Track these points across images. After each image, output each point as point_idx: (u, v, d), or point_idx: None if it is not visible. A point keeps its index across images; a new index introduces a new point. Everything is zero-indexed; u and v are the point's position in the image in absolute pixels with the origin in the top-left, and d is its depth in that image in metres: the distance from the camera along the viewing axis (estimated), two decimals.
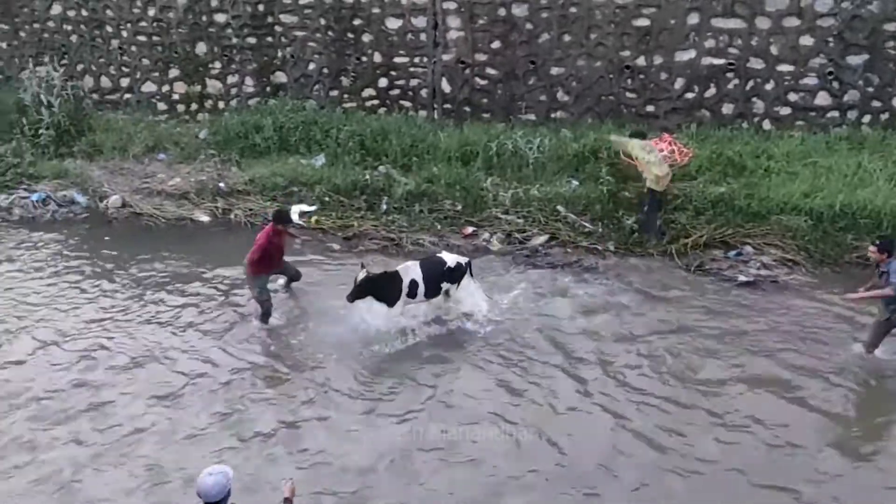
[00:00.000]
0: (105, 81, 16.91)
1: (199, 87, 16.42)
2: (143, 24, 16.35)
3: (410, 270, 9.77)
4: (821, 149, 13.18)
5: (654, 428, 8.01)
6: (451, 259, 10.10)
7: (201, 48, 16.24)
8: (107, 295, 10.97)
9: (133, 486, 7.36)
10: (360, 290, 9.48)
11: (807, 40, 13.71)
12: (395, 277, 9.69)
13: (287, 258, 10.58)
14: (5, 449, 7.87)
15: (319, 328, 9.99)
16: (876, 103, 13.77)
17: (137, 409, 8.46)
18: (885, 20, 13.38)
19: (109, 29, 16.55)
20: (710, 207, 12.10)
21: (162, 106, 16.70)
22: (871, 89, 13.72)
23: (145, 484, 7.39)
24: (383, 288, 9.63)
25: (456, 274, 10.01)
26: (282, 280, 10.78)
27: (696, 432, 7.96)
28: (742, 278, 11.07)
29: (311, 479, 7.28)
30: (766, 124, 14.15)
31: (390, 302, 9.67)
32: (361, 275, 9.47)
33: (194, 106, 16.53)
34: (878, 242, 8.98)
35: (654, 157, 11.60)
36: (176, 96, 16.61)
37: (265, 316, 10.04)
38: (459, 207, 12.98)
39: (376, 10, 15.25)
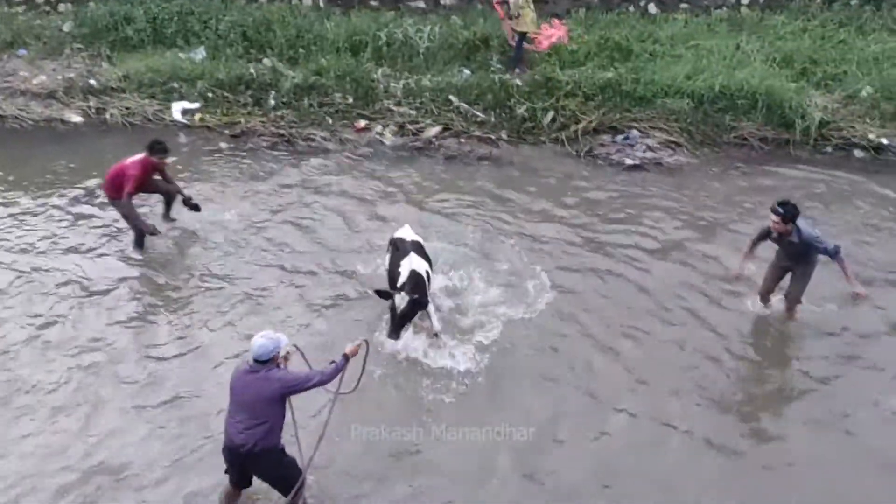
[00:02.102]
0: None
1: None
2: None
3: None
4: (703, 31, 13.53)
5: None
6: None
7: None
8: None
9: None
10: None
11: None
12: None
13: (174, 162, 9.84)
14: None
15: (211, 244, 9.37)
16: None
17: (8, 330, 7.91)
18: None
19: None
20: (599, 93, 12.26)
21: None
22: None
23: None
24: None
25: None
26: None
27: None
28: (629, 161, 11.43)
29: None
30: (652, 7, 14.30)
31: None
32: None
33: None
34: (780, 211, 7.28)
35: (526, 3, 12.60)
36: None
37: (140, 238, 9.05)
38: (350, 100, 12.65)
39: None
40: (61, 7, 14.99)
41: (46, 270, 8.79)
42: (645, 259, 9.10)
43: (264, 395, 5.50)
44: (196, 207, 9.34)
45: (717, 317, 8.08)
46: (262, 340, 5.55)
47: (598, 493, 6.19)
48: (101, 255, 9.13)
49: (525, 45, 12.97)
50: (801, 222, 7.40)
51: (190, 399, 7.06)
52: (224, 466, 5.82)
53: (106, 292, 8.47)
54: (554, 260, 9.02)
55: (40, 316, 8.08)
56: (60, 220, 9.82)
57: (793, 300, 7.84)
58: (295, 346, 6.02)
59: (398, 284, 7.37)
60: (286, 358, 5.75)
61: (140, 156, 8.81)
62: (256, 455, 5.55)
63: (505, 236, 9.43)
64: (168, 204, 9.56)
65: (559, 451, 6.55)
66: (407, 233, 8.12)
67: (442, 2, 14.58)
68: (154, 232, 9.06)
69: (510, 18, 12.77)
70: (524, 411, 6.90)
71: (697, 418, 6.88)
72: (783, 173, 11.13)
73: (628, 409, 6.96)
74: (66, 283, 8.58)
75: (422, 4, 14.60)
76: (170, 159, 9.24)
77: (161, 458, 6.44)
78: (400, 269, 7.50)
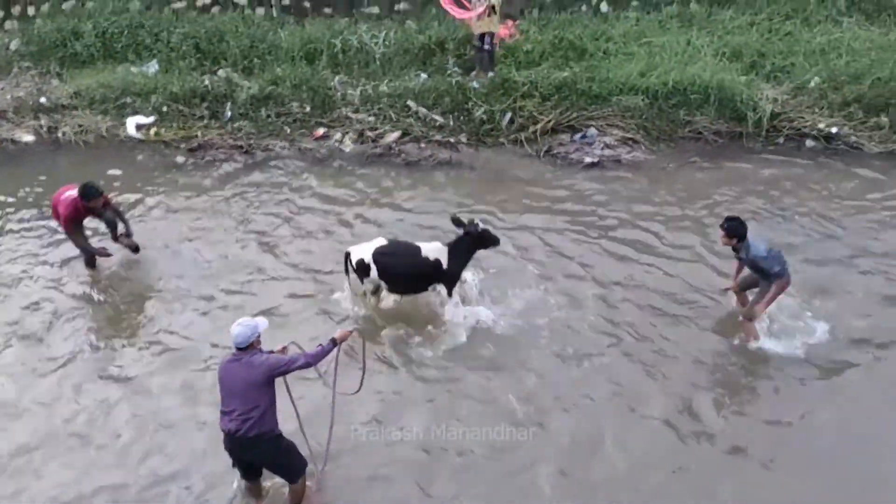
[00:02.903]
0: None
1: None
2: None
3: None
4: (654, 28, 13.70)
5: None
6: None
7: None
8: None
9: None
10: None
11: None
12: None
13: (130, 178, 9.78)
14: None
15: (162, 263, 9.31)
16: None
17: None
18: None
19: None
20: (555, 92, 12.35)
21: None
22: None
23: None
24: None
25: None
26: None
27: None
28: (588, 160, 11.55)
29: None
30: (604, 6, 14.45)
31: None
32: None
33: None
34: (725, 226, 7.39)
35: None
36: None
37: (91, 260, 8.98)
38: (308, 109, 12.57)
39: None
40: (7, 25, 14.66)
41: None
42: (611, 255, 9.29)
43: (251, 380, 5.66)
44: (134, 249, 9.09)
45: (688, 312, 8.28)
46: (240, 328, 5.70)
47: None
48: (57, 276, 9.03)
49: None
50: (752, 239, 7.35)
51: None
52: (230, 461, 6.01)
53: (65, 313, 8.39)
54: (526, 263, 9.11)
55: None
56: (16, 241, 9.69)
57: (745, 313, 7.77)
58: (294, 342, 6.30)
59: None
60: (283, 351, 6.08)
61: (74, 193, 8.44)
62: (251, 440, 5.69)
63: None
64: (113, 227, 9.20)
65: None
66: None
67: (396, 7, 14.58)
68: (104, 254, 8.93)
69: (487, 16, 12.36)
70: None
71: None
72: (737, 166, 11.34)
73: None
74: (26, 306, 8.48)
75: (376, 10, 14.58)
76: (111, 194, 9.20)
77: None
78: None
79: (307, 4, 14.55)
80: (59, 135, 12.34)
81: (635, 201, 10.48)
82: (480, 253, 8.19)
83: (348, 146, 12.05)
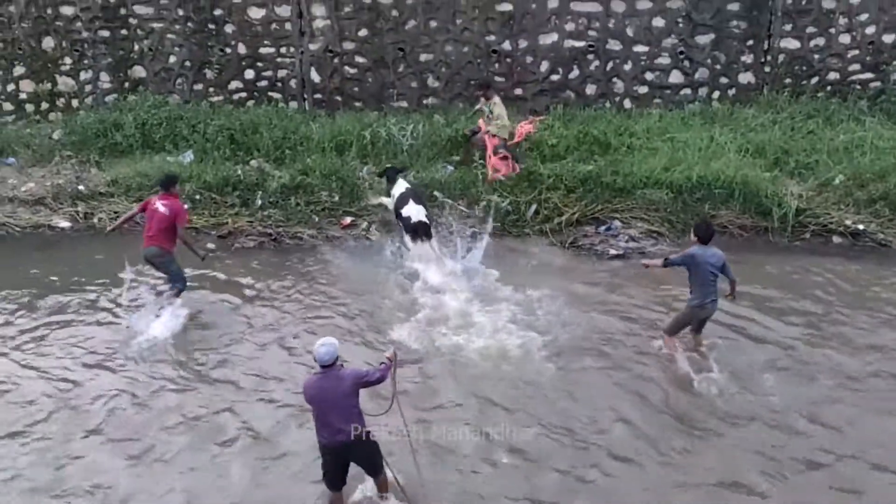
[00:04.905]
0: None
1: (48, 85, 15.37)
2: None
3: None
4: (677, 124, 13.97)
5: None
6: None
7: (48, 43, 15.18)
8: None
9: None
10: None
11: (659, 22, 14.46)
12: None
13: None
14: None
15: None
16: (723, 79, 14.72)
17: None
18: (728, 1, 14.29)
19: None
20: (580, 185, 12.53)
21: (8, 106, 15.52)
22: (718, 66, 14.65)
23: None
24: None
25: None
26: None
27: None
28: (612, 252, 11.59)
29: None
30: (627, 103, 14.84)
31: None
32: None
33: (45, 105, 15.47)
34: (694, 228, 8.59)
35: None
36: (23, 95, 15.47)
37: (184, 285, 9.89)
38: (336, 198, 12.85)
39: (237, 0, 14.77)
40: (52, 116, 15.35)
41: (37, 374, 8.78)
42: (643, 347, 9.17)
43: (342, 391, 6.38)
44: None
45: None
46: (325, 348, 6.38)
47: None
48: (92, 354, 9.18)
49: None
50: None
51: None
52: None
53: (95, 398, 8.42)
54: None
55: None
56: (51, 324, 9.83)
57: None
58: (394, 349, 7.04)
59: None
60: (390, 359, 6.79)
61: (168, 203, 9.62)
62: (357, 444, 6.44)
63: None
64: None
65: None
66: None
67: (425, 101, 15.06)
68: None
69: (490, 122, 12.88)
70: None
71: None
72: (763, 260, 11.26)
73: None
74: (56, 389, 8.55)
75: (405, 104, 15.07)
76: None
77: None
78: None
79: (338, 98, 15.09)
80: (95, 221, 12.69)
81: (661, 291, 10.40)
82: None
83: (375, 234, 12.23)
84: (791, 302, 10.08)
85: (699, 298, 8.46)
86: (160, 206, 9.59)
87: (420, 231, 10.90)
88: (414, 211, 10.93)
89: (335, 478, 6.66)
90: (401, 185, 11.46)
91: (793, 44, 14.48)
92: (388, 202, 11.75)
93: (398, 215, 11.21)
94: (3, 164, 14.01)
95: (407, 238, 11.05)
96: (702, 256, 8.34)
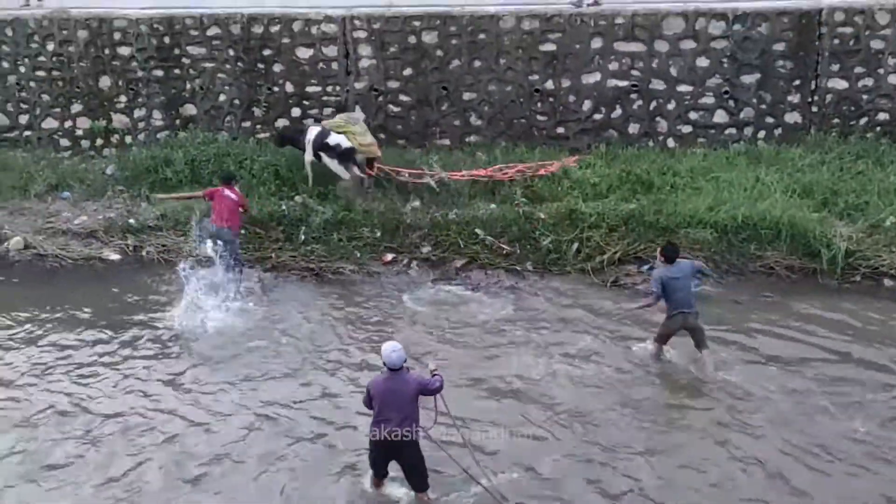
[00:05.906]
0: (2, 119, 16.19)
1: (104, 122, 15.91)
2: (42, 58, 15.77)
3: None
4: (721, 164, 13.82)
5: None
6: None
7: (105, 82, 15.77)
8: (14, 345, 10.43)
9: None
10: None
11: (703, 61, 14.43)
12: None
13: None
14: None
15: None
16: (769, 119, 14.58)
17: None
18: (773, 41, 14.22)
19: (6, 65, 15.88)
20: (622, 224, 12.46)
21: (65, 142, 16.10)
22: (764, 106, 14.52)
23: None
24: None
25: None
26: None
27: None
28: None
29: None
30: (671, 142, 14.77)
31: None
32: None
33: (99, 141, 16.00)
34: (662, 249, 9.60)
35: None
36: (80, 132, 16.04)
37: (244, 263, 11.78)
38: (378, 234, 12.97)
39: (286, 40, 15.18)
40: (105, 151, 15.86)
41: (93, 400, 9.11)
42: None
43: (407, 392, 6.99)
44: None
45: None
46: (396, 353, 6.99)
47: None
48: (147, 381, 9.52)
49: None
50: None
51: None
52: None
53: (147, 428, 8.64)
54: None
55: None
56: (103, 354, 10.21)
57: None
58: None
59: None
60: (433, 373, 7.32)
61: (229, 193, 11.81)
62: (405, 443, 6.96)
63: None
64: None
65: None
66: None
67: (467, 139, 15.20)
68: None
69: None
70: None
71: None
72: (812, 303, 10.98)
73: None
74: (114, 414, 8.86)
75: (447, 142, 15.22)
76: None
77: None
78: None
79: (382, 136, 15.31)
80: (143, 253, 12.99)
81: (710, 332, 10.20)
82: None
83: (415, 271, 12.28)
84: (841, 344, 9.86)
85: (672, 308, 9.34)
86: (229, 193, 11.79)
87: (348, 155, 12.92)
88: (339, 139, 12.96)
89: (379, 468, 7.28)
90: (311, 130, 13.38)
91: (840, 84, 14.30)
92: (309, 153, 13.47)
93: (325, 146, 13.01)
94: (59, 198, 14.47)
95: (339, 167, 12.97)
96: (666, 275, 9.26)
